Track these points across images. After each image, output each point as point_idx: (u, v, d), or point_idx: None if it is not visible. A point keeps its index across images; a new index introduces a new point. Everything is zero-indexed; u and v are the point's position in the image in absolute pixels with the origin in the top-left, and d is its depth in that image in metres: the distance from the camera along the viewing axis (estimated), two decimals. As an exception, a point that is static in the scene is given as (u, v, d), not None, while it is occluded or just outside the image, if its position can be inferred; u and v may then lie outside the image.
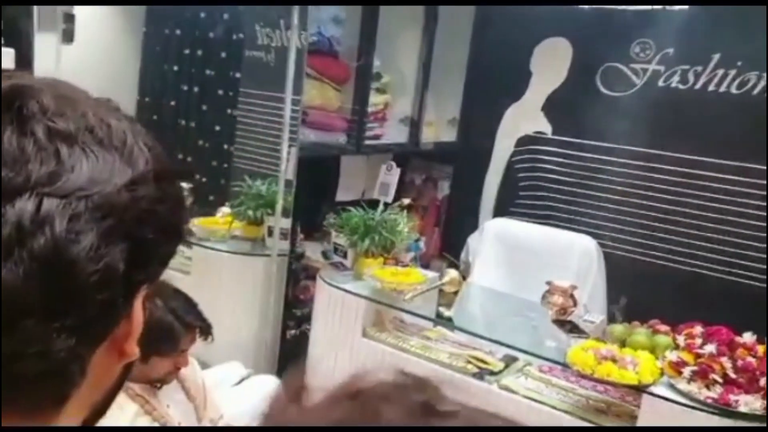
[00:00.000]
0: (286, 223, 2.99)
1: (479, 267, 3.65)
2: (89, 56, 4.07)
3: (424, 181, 4.22)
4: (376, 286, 2.72)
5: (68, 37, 4.09)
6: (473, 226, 3.83)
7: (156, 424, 2.04)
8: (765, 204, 3.00)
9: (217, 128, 4.05)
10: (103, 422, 1.73)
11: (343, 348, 2.75)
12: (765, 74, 2.96)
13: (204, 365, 3.00)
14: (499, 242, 3.66)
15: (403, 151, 3.88)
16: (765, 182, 2.97)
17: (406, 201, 3.10)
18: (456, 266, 3.87)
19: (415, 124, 3.79)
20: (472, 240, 3.77)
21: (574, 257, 3.40)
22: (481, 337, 2.57)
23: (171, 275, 2.97)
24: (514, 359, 2.56)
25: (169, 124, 4.22)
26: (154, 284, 0.59)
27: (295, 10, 2.83)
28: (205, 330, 2.12)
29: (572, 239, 3.45)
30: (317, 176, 3.50)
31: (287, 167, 2.93)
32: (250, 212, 3.06)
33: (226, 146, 3.97)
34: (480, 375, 2.43)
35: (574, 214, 3.57)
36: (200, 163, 4.17)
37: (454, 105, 3.99)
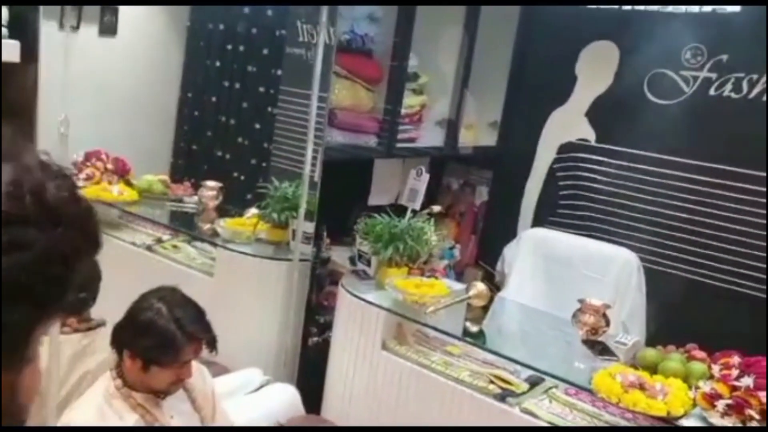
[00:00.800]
0: (310, 227, 2.91)
1: (515, 278, 3.52)
2: (132, 50, 4.08)
3: (461, 186, 4.10)
4: (398, 298, 2.62)
5: (110, 29, 4.12)
6: (511, 234, 3.69)
7: (157, 437, 1.98)
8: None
9: (257, 126, 4.00)
10: (101, 423, 1.62)
11: (363, 360, 2.65)
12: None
13: (223, 370, 2.95)
14: (536, 253, 3.52)
15: (440, 154, 3.76)
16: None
17: (436, 208, 2.98)
18: (491, 276, 3.74)
19: (452, 127, 3.66)
20: (509, 250, 3.64)
21: (613, 271, 3.24)
22: (503, 357, 2.44)
23: (195, 276, 2.92)
24: (541, 380, 2.42)
25: (210, 120, 4.20)
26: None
27: (324, 6, 2.74)
28: (211, 342, 2.05)
29: (612, 252, 3.29)
30: (348, 179, 3.41)
31: (312, 168, 2.84)
32: (275, 215, 2.98)
33: (265, 144, 3.92)
34: (502, 396, 2.31)
35: (616, 226, 3.39)
36: (239, 160, 4.14)
37: (496, 108, 3.84)
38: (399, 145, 3.35)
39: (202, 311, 2.03)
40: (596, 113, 3.47)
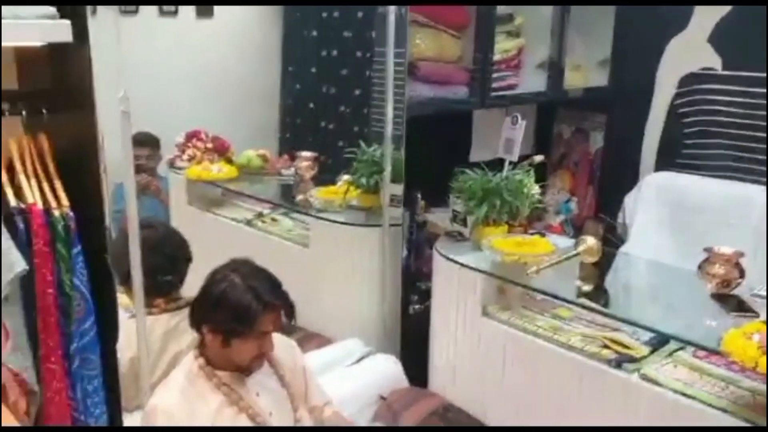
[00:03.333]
0: (398, 189, 2.73)
1: (637, 230, 3.20)
2: (230, 31, 4.06)
3: (573, 133, 3.76)
4: (496, 259, 2.39)
5: (207, 12, 4.12)
6: (632, 181, 3.35)
7: (242, 416, 1.90)
8: None
9: (357, 92, 3.87)
10: (186, 414, 1.58)
11: (463, 328, 2.46)
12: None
13: (326, 342, 2.86)
14: (661, 200, 3.17)
15: (545, 99, 3.44)
16: None
17: (538, 158, 2.70)
18: (614, 229, 3.42)
19: (556, 70, 3.33)
20: (629, 199, 3.30)
21: (753, 215, 2.85)
22: (619, 319, 2.16)
23: (291, 248, 2.84)
24: (665, 342, 2.13)
25: (312, 92, 4.12)
26: None
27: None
28: (289, 311, 1.94)
29: (750, 193, 2.89)
30: (444, 136, 3.19)
31: (395, 127, 2.65)
32: (364, 180, 2.83)
33: (365, 110, 3.78)
34: (618, 362, 2.04)
35: (753, 163, 2.97)
36: (342, 129, 4.04)
37: (604, 44, 3.48)
38: (495, 93, 3.08)
39: (277, 280, 1.93)
40: (720, 38, 3.03)
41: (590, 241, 2.37)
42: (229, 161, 3.69)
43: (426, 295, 2.84)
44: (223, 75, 3.98)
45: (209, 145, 3.75)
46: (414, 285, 2.93)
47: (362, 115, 3.81)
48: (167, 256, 2.30)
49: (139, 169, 3.48)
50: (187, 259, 2.41)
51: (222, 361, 1.92)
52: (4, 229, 1.77)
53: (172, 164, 3.70)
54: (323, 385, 2.23)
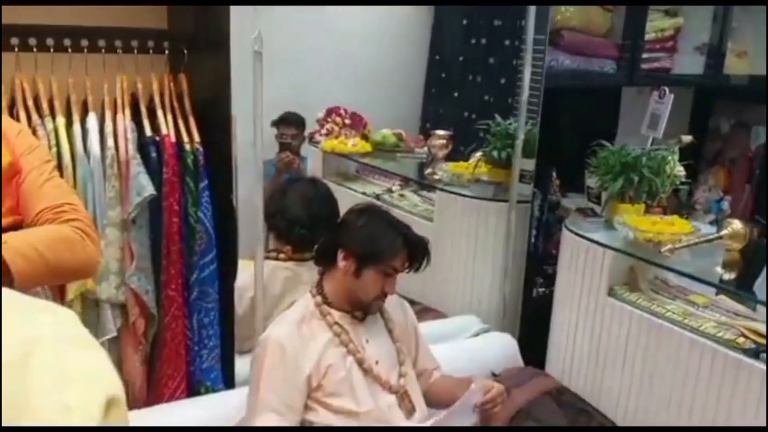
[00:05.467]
0: (530, 164, 2.61)
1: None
2: (381, 20, 4.12)
3: (733, 127, 3.45)
4: (628, 236, 2.23)
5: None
6: (797, 182, 3.03)
7: (350, 358, 1.89)
8: None
9: (503, 81, 3.80)
10: (296, 347, 1.60)
11: (586, 308, 2.31)
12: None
13: (440, 317, 2.80)
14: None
15: (702, 83, 3.18)
16: None
17: (686, 138, 2.50)
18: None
19: (716, 54, 3.08)
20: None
21: None
22: (764, 303, 1.94)
23: (416, 222, 2.81)
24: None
25: (457, 80, 4.09)
26: None
27: None
28: (417, 256, 1.90)
29: None
30: (588, 114, 3.02)
31: (530, 94, 2.54)
32: (495, 152, 2.74)
33: (509, 100, 3.69)
34: (755, 352, 1.82)
35: None
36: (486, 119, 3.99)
37: (774, 29, 3.17)
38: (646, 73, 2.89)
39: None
40: None
41: (736, 224, 2.16)
42: (365, 138, 3.73)
43: (552, 279, 2.69)
44: (370, 61, 4.05)
45: (347, 121, 3.82)
46: (540, 267, 2.80)
47: (506, 106, 3.72)
48: (313, 212, 2.34)
49: (284, 147, 3.62)
50: (331, 224, 2.44)
51: (340, 299, 1.91)
52: (137, 155, 1.87)
53: (311, 139, 3.80)
54: (434, 352, 2.18)
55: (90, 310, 1.91)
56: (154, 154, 1.90)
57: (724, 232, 2.15)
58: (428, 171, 3.11)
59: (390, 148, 3.65)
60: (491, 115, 3.82)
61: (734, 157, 3.45)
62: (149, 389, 2.06)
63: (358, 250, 1.86)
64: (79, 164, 1.82)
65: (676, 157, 2.36)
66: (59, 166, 1.78)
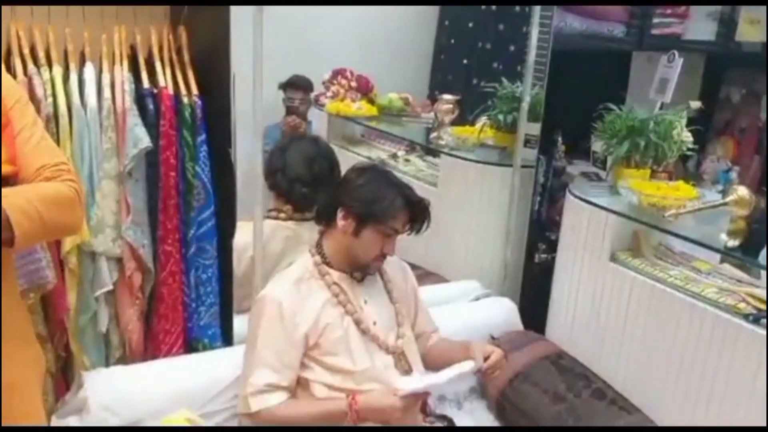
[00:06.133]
0: (535, 128, 2.57)
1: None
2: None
3: (743, 96, 3.40)
4: (632, 201, 2.20)
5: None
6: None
7: (348, 318, 1.88)
8: None
9: (512, 48, 3.73)
10: (293, 305, 1.60)
11: (588, 273, 2.29)
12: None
13: (441, 281, 2.79)
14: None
15: (714, 51, 3.11)
16: None
17: (695, 104, 2.45)
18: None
19: (728, 20, 3.01)
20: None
21: None
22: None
23: (420, 187, 2.79)
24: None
25: (467, 47, 4.03)
26: None
27: None
28: (422, 222, 1.88)
29: None
30: (594, 77, 2.96)
31: (537, 54, 2.49)
32: (501, 116, 2.70)
33: (518, 68, 3.63)
34: (756, 317, 1.80)
35: None
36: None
37: (790, -3, 3.09)
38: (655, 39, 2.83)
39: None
40: None
41: (742, 191, 2.12)
42: (371, 101, 3.69)
43: (554, 246, 2.67)
44: (379, 27, 4.00)
45: (353, 84, 3.77)
46: (543, 234, 2.77)
47: (516, 73, 3.66)
48: (314, 171, 2.31)
49: (291, 111, 3.59)
50: (331, 183, 2.41)
51: (339, 259, 1.89)
52: (134, 107, 1.84)
53: (316, 101, 3.76)
54: (433, 315, 2.16)
55: (86, 263, 1.90)
56: (151, 107, 1.87)
57: (729, 198, 2.11)
58: (434, 135, 3.07)
59: (396, 112, 3.61)
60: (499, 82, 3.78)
61: (744, 127, 3.40)
62: (147, 344, 2.05)
63: (358, 209, 1.83)
64: (76, 115, 1.79)
65: (684, 122, 2.31)
66: (55, 117, 1.76)
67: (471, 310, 2.50)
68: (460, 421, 2.04)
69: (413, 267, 2.17)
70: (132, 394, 1.83)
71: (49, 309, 1.89)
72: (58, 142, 1.75)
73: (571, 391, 2.12)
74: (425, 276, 2.74)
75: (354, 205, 1.84)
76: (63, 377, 1.99)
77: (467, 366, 1.84)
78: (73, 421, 1.78)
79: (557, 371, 2.20)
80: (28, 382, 1.34)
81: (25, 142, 1.32)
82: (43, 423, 1.42)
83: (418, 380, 1.86)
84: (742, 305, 1.84)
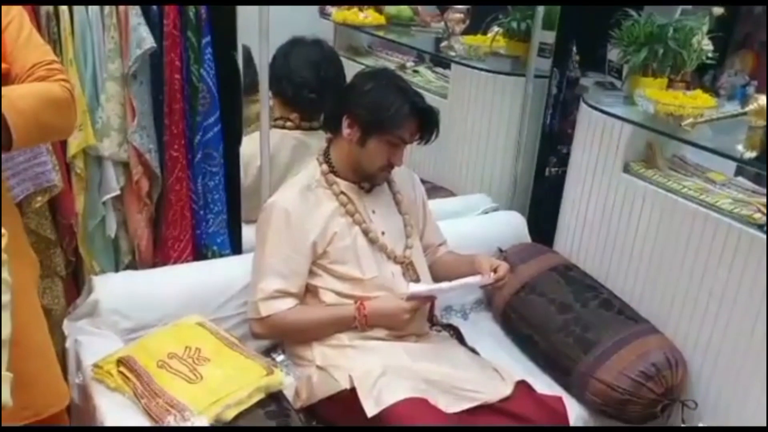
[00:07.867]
0: (550, 36, 2.49)
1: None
2: None
3: (766, 8, 3.27)
4: (648, 110, 2.14)
5: None
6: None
7: (355, 228, 1.86)
8: None
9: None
10: (301, 214, 1.57)
11: (599, 184, 2.26)
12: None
13: (450, 195, 2.77)
14: None
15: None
16: None
17: (718, 10, 2.36)
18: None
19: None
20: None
21: None
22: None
23: (430, 99, 2.73)
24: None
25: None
26: None
27: None
28: (427, 127, 1.83)
29: None
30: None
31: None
32: (515, 23, 2.61)
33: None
34: (769, 228, 1.79)
35: None
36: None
37: None
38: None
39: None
40: None
41: (762, 100, 2.06)
42: (379, 10, 3.58)
43: (565, 160, 2.62)
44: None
45: (360, -10, 3.65)
46: (554, 147, 2.72)
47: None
48: (321, 75, 2.24)
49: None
50: (338, 87, 2.35)
51: (345, 168, 1.87)
52: (136, 6, 1.78)
53: (322, 11, 3.65)
54: (441, 228, 2.15)
55: (93, 168, 1.87)
56: (154, 6, 1.81)
57: (749, 107, 2.06)
58: (444, 45, 2.98)
59: (405, 21, 3.50)
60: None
61: (765, 40, 3.29)
62: (156, 251, 2.05)
63: (363, 117, 1.78)
64: (77, 13, 1.73)
65: (705, 29, 2.23)
66: (56, 15, 1.70)
67: (479, 223, 2.49)
68: (466, 330, 2.05)
69: (422, 181, 2.14)
70: (143, 298, 1.84)
71: (58, 214, 1.88)
72: (59, 40, 1.70)
73: (578, 301, 2.12)
74: (433, 190, 2.72)
75: (359, 113, 1.78)
76: (74, 281, 2.00)
77: (474, 279, 1.84)
78: (84, 324, 1.79)
79: (565, 282, 2.20)
80: (25, 287, 1.34)
81: (14, 39, 1.28)
82: (43, 323, 1.44)
83: (425, 286, 1.87)
84: (757, 215, 1.82)
